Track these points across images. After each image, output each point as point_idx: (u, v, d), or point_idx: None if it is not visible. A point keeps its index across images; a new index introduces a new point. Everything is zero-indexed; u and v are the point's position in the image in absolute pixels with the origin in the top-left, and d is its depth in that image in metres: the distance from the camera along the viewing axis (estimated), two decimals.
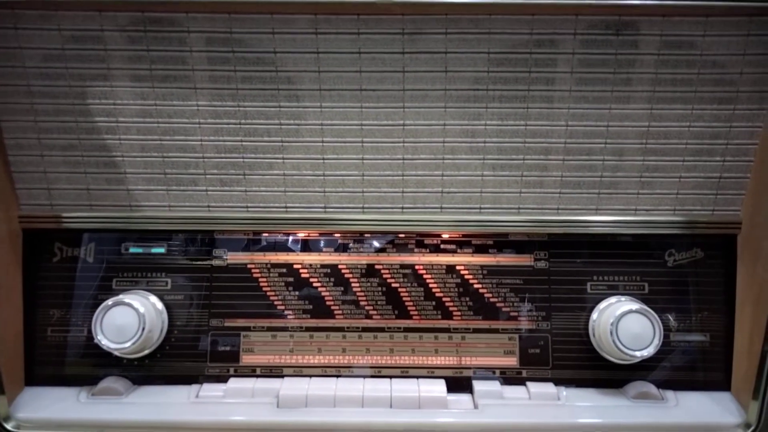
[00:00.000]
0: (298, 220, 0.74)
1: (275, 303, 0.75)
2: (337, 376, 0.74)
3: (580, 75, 0.69)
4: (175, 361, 0.74)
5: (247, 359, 0.74)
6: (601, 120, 0.71)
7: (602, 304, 0.73)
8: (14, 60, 0.68)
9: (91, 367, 0.74)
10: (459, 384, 0.74)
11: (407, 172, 0.73)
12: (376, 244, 0.76)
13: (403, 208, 0.74)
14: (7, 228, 0.71)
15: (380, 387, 0.71)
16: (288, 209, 0.74)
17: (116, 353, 0.70)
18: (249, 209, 0.74)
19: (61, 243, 0.75)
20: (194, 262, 0.75)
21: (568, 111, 0.70)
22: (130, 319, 0.69)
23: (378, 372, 0.74)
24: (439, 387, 0.72)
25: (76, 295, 0.75)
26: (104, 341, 0.69)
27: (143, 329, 0.69)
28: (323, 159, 0.72)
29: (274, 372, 0.74)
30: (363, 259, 0.76)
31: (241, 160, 0.72)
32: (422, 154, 0.72)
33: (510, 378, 0.74)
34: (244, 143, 0.72)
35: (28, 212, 0.73)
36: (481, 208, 0.74)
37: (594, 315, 0.73)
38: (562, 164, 0.72)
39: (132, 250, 0.76)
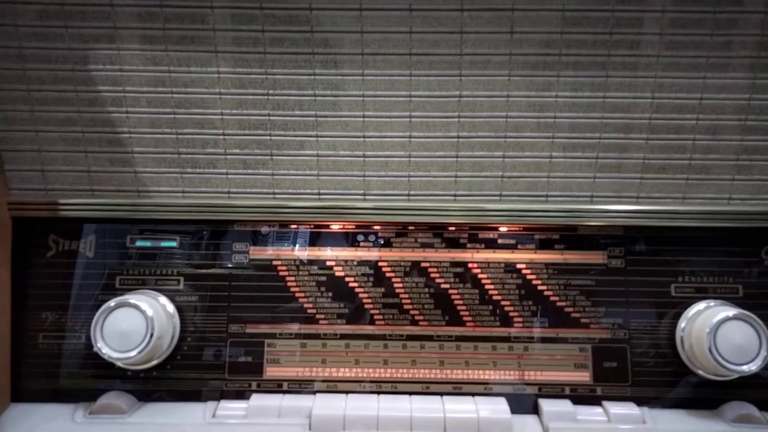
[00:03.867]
0: (333, 209, 0.63)
1: (305, 306, 0.64)
2: (378, 393, 0.63)
3: (670, 37, 0.59)
4: (188, 373, 0.63)
5: (272, 371, 0.63)
6: (694, 91, 0.60)
7: (691, 310, 0.62)
8: (3, 17, 0.58)
9: (89, 379, 0.63)
10: (522, 403, 0.62)
11: (462, 152, 0.62)
12: (421, 237, 0.65)
13: (455, 195, 0.63)
14: None
15: (430, 406, 0.60)
16: (321, 197, 0.63)
17: (119, 364, 0.59)
18: (276, 196, 0.63)
19: (56, 235, 0.65)
20: (211, 258, 0.65)
21: (655, 81, 0.60)
22: (135, 323, 0.58)
23: (426, 388, 0.63)
24: (500, 407, 0.60)
25: (73, 296, 0.64)
26: (105, 349, 0.58)
27: (151, 335, 0.58)
28: (364, 137, 0.62)
29: (303, 387, 0.63)
30: (407, 256, 0.65)
31: (268, 138, 0.62)
32: (481, 132, 0.61)
33: (583, 396, 0.62)
34: (271, 118, 0.61)
35: (19, 198, 0.63)
36: (547, 196, 0.63)
37: (682, 323, 0.62)
38: (645, 144, 0.61)
39: (139, 243, 0.65)
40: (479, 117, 0.61)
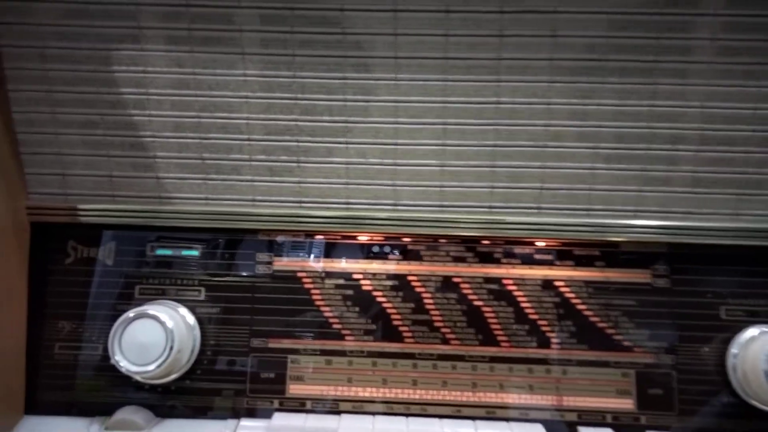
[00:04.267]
0: (362, 220, 0.60)
1: (330, 321, 0.61)
2: (407, 415, 0.59)
3: (724, 42, 0.55)
4: (208, 389, 0.60)
5: (295, 389, 0.60)
6: (747, 101, 0.56)
7: (744, 335, 0.57)
8: (26, 16, 0.56)
9: (105, 393, 0.60)
10: (560, 430, 0.58)
11: (499, 162, 0.58)
12: (453, 251, 0.62)
13: (490, 207, 0.60)
14: (11, 220, 0.59)
15: (462, 431, 0.57)
16: (350, 206, 0.60)
17: (137, 378, 0.57)
18: (302, 205, 0.60)
19: (75, 241, 0.63)
20: (233, 269, 0.62)
21: (706, 89, 0.56)
22: (155, 335, 0.56)
23: (457, 411, 0.59)
24: None
25: (91, 305, 0.62)
26: (123, 362, 0.55)
27: (171, 348, 0.56)
28: (395, 145, 0.59)
29: (328, 407, 0.60)
30: (438, 270, 0.62)
31: (296, 144, 0.59)
32: (519, 141, 0.58)
33: (625, 426, 0.58)
34: (299, 124, 0.58)
35: (38, 202, 0.61)
36: (589, 210, 0.59)
37: (733, 348, 0.57)
38: (694, 157, 0.57)
39: (159, 251, 0.62)
40: (518, 125, 0.57)
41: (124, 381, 0.60)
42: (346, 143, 0.59)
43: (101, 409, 0.60)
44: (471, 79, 0.57)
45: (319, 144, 0.59)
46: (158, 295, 0.62)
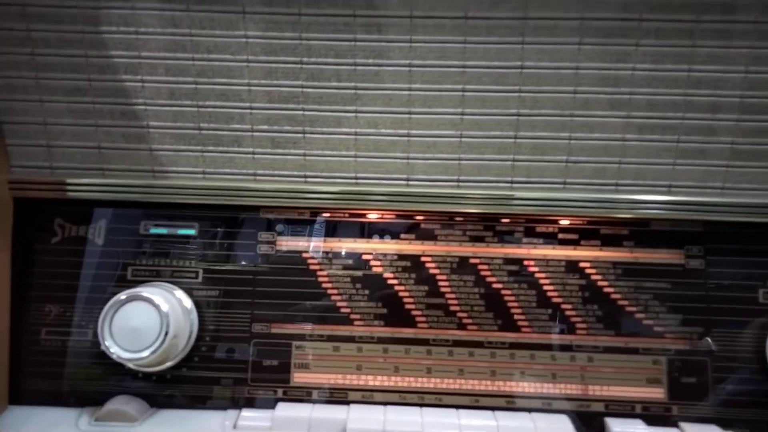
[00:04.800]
0: (372, 196, 0.56)
1: (338, 304, 0.57)
2: (421, 405, 0.55)
3: None
4: (206, 377, 0.56)
5: (300, 378, 0.56)
6: None
7: None
8: None
9: (95, 381, 0.56)
10: (586, 421, 0.54)
11: (522, 133, 0.54)
12: (471, 230, 0.57)
13: (512, 182, 0.55)
14: None
15: (481, 422, 0.53)
16: (359, 181, 0.56)
17: (129, 365, 0.53)
18: (308, 180, 0.56)
19: (62, 218, 0.58)
20: (233, 249, 0.57)
21: (750, 51, 0.51)
22: (148, 319, 0.51)
23: (475, 401, 0.55)
24: (562, 425, 0.53)
25: (80, 287, 0.57)
26: (114, 348, 0.51)
27: (166, 334, 0.51)
28: (409, 114, 0.54)
29: (335, 396, 0.56)
30: (454, 250, 0.57)
31: (301, 113, 0.54)
32: (544, 109, 0.53)
33: (656, 416, 0.54)
34: (305, 90, 0.54)
35: (21, 176, 0.56)
36: (618, 186, 0.55)
37: None
38: (734, 127, 0.53)
39: (153, 230, 0.58)
40: (543, 92, 0.53)
41: (116, 369, 0.55)
42: (356, 112, 0.54)
43: (91, 399, 0.56)
44: (493, 41, 0.52)
45: (326, 113, 0.54)
46: (152, 276, 0.57)
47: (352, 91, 0.53)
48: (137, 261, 0.57)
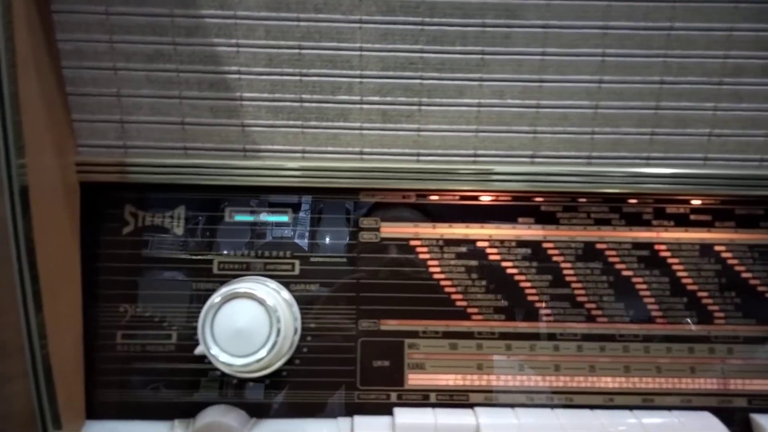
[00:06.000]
0: (491, 176, 0.50)
1: (453, 297, 0.51)
2: (551, 406, 0.50)
3: None
4: (310, 381, 0.50)
5: (414, 379, 0.50)
6: None
7: None
8: None
9: (182, 391, 0.49)
10: (728, 418, 0.50)
11: (664, 103, 0.48)
12: (595, 212, 0.52)
13: (648, 158, 0.50)
14: (60, 179, 0.46)
15: (622, 421, 0.48)
16: (477, 158, 0.50)
17: (238, 373, 0.46)
18: (420, 159, 0.50)
19: (134, 206, 0.51)
20: (334, 237, 0.51)
21: None
22: (255, 317, 0.45)
23: (609, 400, 0.50)
24: (708, 422, 0.48)
25: (158, 283, 0.50)
26: (224, 357, 0.44)
27: (279, 331, 0.45)
28: (541, 82, 0.48)
29: (455, 399, 0.50)
30: (579, 235, 0.52)
31: (419, 81, 0.48)
32: (691, 76, 0.48)
33: None
34: (425, 56, 0.47)
35: (89, 157, 0.48)
36: (762, 161, 0.50)
37: None
38: None
39: (240, 217, 0.51)
40: (690, 56, 0.47)
41: (206, 375, 0.49)
42: (480, 80, 0.48)
43: (179, 410, 0.49)
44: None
45: (447, 81, 0.48)
46: (242, 270, 0.50)
47: (479, 56, 0.47)
48: (223, 252, 0.51)
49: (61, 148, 0.46)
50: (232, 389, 0.49)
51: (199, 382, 0.49)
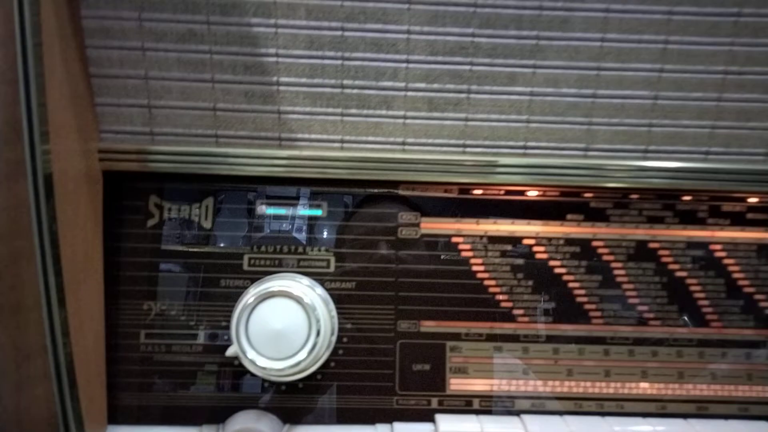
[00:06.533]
0: (541, 169, 0.47)
1: (497, 297, 0.48)
2: (601, 414, 0.47)
3: None
4: (346, 386, 0.47)
5: (457, 385, 0.48)
6: None
7: None
8: None
9: (211, 394, 0.46)
10: None
11: (727, 95, 0.46)
12: (648, 209, 0.49)
13: (707, 153, 0.47)
14: (84, 166, 0.43)
15: (676, 430, 0.45)
16: (527, 151, 0.47)
17: (271, 377, 0.43)
18: (466, 150, 0.47)
19: (159, 196, 0.47)
20: (371, 233, 0.48)
21: None
22: (292, 317, 0.42)
23: (662, 408, 0.48)
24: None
25: (185, 280, 0.47)
26: (261, 361, 0.41)
27: (318, 333, 0.42)
28: (598, 70, 0.45)
29: (500, 405, 0.47)
30: (630, 233, 0.49)
31: (468, 68, 0.45)
32: (757, 66, 0.45)
33: None
34: (476, 40, 0.44)
35: (113, 144, 0.45)
36: None
37: None
38: None
39: (272, 211, 0.48)
40: (759, 44, 0.44)
41: (235, 378, 0.46)
42: (534, 67, 0.45)
43: (206, 416, 0.46)
44: None
45: (498, 68, 0.45)
46: (274, 267, 0.47)
47: (533, 41, 0.44)
48: (254, 248, 0.47)
49: (83, 134, 0.43)
50: (264, 393, 0.46)
51: (229, 385, 0.46)
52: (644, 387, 0.48)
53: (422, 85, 0.45)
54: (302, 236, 0.48)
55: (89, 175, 0.44)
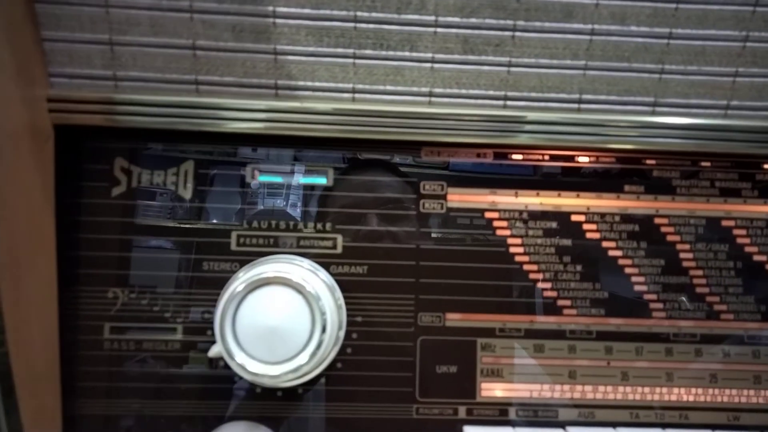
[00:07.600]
0: (597, 128, 0.38)
1: (539, 285, 0.40)
2: (662, 425, 0.39)
3: None
4: (355, 391, 0.39)
5: (489, 390, 0.39)
6: None
7: None
8: None
9: (191, 401, 0.38)
10: None
11: None
12: (721, 180, 0.40)
13: None
14: (27, 118, 0.34)
15: None
16: (582, 105, 0.38)
17: (268, 384, 0.35)
18: (508, 101, 0.38)
19: (127, 159, 0.38)
20: (386, 206, 0.39)
21: None
22: (291, 309, 0.33)
23: (735, 419, 0.40)
24: None
25: (158, 262, 0.38)
26: (252, 365, 0.32)
27: (323, 329, 0.33)
28: (677, 3, 0.36)
29: (541, 416, 0.39)
30: (700, 208, 0.40)
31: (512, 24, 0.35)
32: None
33: None
34: None
35: (66, 91, 0.36)
36: None
37: None
38: None
39: (265, 178, 0.39)
40: None
41: (222, 381, 0.38)
42: (597, 2, 0.36)
43: (187, 426, 0.38)
44: None
45: (535, 23, 0.35)
46: (267, 246, 0.39)
47: None
48: (243, 224, 0.39)
49: (24, 76, 0.34)
50: (256, 400, 0.38)
51: (213, 391, 0.38)
52: (713, 394, 0.40)
53: (456, 19, 0.36)
54: (302, 210, 0.39)
55: (35, 130, 0.35)
